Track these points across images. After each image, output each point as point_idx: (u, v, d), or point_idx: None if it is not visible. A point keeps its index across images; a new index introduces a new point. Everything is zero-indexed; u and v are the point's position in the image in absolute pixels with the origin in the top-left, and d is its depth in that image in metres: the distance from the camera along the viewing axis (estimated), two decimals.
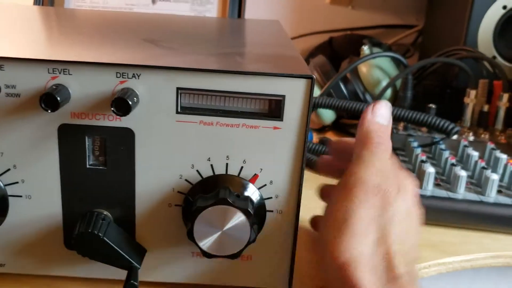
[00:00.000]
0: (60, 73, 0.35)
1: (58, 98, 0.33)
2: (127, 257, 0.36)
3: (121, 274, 0.37)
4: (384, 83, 0.74)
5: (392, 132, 0.60)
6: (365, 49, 0.78)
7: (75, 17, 0.61)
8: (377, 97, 0.72)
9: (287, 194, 0.38)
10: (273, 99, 0.35)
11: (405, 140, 0.63)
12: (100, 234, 0.35)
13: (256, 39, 0.55)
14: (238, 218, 0.35)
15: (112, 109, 0.33)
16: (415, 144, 0.60)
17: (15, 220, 0.38)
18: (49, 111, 0.33)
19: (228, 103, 0.36)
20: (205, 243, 0.35)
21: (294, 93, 0.35)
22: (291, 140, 0.36)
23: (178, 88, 0.35)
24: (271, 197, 0.38)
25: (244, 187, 0.37)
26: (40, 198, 0.38)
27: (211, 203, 0.35)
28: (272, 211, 0.38)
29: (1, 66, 0.34)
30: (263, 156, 0.37)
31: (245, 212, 0.35)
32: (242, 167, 0.37)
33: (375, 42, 0.81)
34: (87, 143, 0.36)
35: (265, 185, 0.37)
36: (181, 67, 0.35)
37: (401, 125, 0.65)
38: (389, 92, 0.74)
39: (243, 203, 0.35)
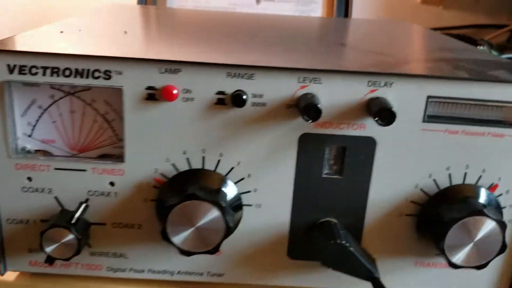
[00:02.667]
0: (310, 82, 0.34)
1: (321, 108, 0.32)
2: (368, 267, 0.36)
3: (344, 284, 0.37)
4: None
5: None
6: (482, 49, 0.77)
7: (192, 18, 0.60)
8: None
9: None
10: None
11: None
12: (347, 245, 0.35)
13: (426, 42, 0.54)
14: (489, 226, 0.34)
15: (376, 119, 0.33)
16: None
17: (242, 229, 0.38)
18: (310, 121, 0.33)
19: (473, 111, 0.35)
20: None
21: None
22: None
23: (428, 97, 0.34)
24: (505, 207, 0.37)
25: (481, 196, 0.36)
26: (270, 207, 0.37)
27: (464, 215, 0.34)
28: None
29: (251, 75, 0.34)
30: (503, 165, 0.36)
31: (499, 223, 0.34)
32: (480, 176, 0.36)
33: (489, 43, 0.80)
34: (326, 152, 0.36)
35: (501, 194, 0.37)
36: (433, 75, 0.34)
37: None
38: None
39: (494, 214, 0.34)
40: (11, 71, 0.33)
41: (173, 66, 0.34)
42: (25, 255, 0.38)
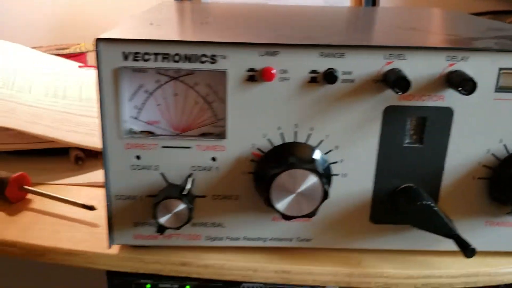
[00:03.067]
0: (395, 58, 0.38)
1: (410, 81, 0.36)
2: (450, 225, 0.39)
3: (420, 244, 0.41)
4: None
5: None
6: None
7: (239, 10, 0.64)
8: None
9: None
10: None
11: None
12: (432, 205, 0.38)
13: (474, 24, 0.58)
14: None
15: (459, 89, 0.36)
16: None
17: (329, 197, 0.41)
18: (400, 93, 0.36)
19: None
20: None
21: None
22: None
23: (500, 69, 0.38)
24: None
25: None
26: (354, 176, 0.41)
27: None
28: None
29: (342, 54, 0.37)
30: None
31: None
32: None
33: None
34: (407, 123, 0.39)
35: None
36: (504, 49, 0.38)
37: None
38: None
39: None
40: (125, 58, 0.37)
41: (272, 49, 0.37)
42: (130, 229, 0.42)
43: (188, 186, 0.39)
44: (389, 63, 0.38)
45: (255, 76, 0.38)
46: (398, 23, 0.55)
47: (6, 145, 0.59)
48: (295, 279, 0.42)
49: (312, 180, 0.37)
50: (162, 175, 0.40)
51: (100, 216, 0.48)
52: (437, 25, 0.54)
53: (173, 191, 0.39)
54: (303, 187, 0.37)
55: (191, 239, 0.42)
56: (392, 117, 0.39)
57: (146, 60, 0.37)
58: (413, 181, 0.41)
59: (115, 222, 0.41)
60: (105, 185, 0.40)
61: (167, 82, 0.39)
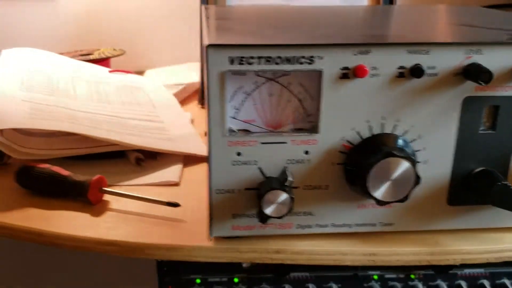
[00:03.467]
0: (473, 53, 0.41)
1: (493, 73, 0.40)
2: None
3: (493, 222, 0.46)
4: None
5: None
6: None
7: (267, 12, 0.67)
8: None
9: None
10: None
11: None
12: (510, 185, 0.42)
13: (502, 17, 0.62)
14: None
15: None
16: None
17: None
18: (483, 84, 0.40)
19: None
20: None
21: None
22: None
23: None
24: None
25: None
26: (434, 162, 0.44)
27: None
28: None
29: (427, 51, 0.41)
30: None
31: None
32: None
33: None
34: (482, 111, 0.43)
35: None
36: None
37: None
38: None
39: None
40: (231, 62, 0.40)
41: (365, 48, 0.40)
42: (229, 221, 0.45)
43: (290, 178, 0.42)
44: (469, 57, 0.41)
45: (348, 74, 0.41)
46: (439, 20, 0.59)
47: (70, 150, 0.61)
48: (381, 260, 0.46)
49: (406, 167, 0.41)
50: (260, 169, 0.43)
51: (181, 212, 0.50)
52: (479, 21, 0.58)
53: (276, 183, 0.42)
54: (397, 174, 0.41)
55: (283, 228, 0.45)
56: (469, 106, 0.43)
57: (250, 64, 0.40)
58: (486, 165, 0.45)
59: (215, 215, 0.44)
60: (208, 180, 0.43)
61: (264, 83, 0.42)
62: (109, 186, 0.55)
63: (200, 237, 0.46)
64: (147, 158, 0.63)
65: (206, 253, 0.46)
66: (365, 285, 0.53)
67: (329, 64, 0.41)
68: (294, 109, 0.43)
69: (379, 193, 0.41)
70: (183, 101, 0.89)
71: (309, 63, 0.40)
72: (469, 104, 0.43)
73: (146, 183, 0.57)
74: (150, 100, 0.78)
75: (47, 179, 0.53)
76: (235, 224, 0.45)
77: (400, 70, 0.41)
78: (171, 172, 0.59)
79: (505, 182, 0.42)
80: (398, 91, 0.42)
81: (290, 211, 0.42)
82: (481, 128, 0.44)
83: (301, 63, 0.40)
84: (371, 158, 0.41)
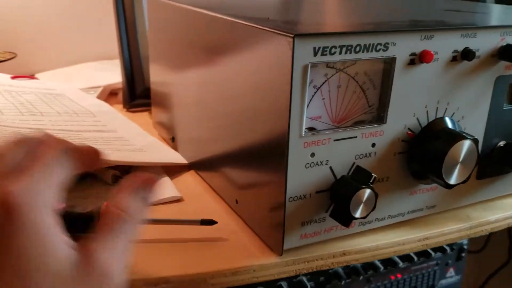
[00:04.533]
0: (507, 35, 0.44)
1: None
2: None
3: None
4: None
5: None
6: None
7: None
8: None
9: None
10: None
11: None
12: None
13: None
14: None
15: None
16: None
17: None
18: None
19: None
20: None
21: None
22: None
23: None
24: None
25: None
26: None
27: None
28: None
29: (474, 34, 0.42)
30: None
31: None
32: None
33: None
34: (508, 89, 0.46)
35: None
36: None
37: None
38: None
39: None
40: (315, 53, 0.36)
41: (430, 33, 0.40)
42: (298, 230, 0.40)
43: (374, 175, 0.39)
44: (503, 39, 0.44)
45: (414, 60, 0.40)
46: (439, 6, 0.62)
47: None
48: (433, 243, 0.46)
49: (472, 147, 0.41)
50: (331, 169, 0.40)
51: (213, 230, 0.44)
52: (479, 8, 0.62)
53: (358, 182, 0.39)
54: (464, 155, 0.41)
55: (346, 228, 0.43)
56: (498, 85, 0.46)
57: (332, 54, 0.36)
58: (509, 139, 0.48)
59: (287, 226, 0.40)
60: (285, 189, 0.38)
61: (333, 75, 0.39)
62: None
63: (257, 254, 0.41)
64: (123, 174, 0.54)
65: (274, 270, 0.41)
66: None
67: (401, 50, 0.39)
68: (358, 100, 0.41)
69: (453, 177, 0.41)
70: None
71: (384, 50, 0.38)
72: (499, 83, 0.45)
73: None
74: (83, 107, 0.66)
75: None
76: (303, 232, 0.41)
77: (454, 54, 0.42)
78: (167, 188, 0.51)
79: None
80: (451, 75, 0.42)
81: (373, 209, 0.39)
82: (505, 105, 0.47)
83: (377, 51, 0.38)
84: (443, 144, 0.41)
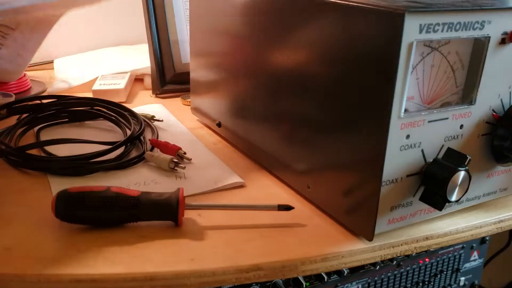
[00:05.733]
0: None
1: None
2: None
3: None
4: None
5: None
6: None
7: None
8: None
9: None
10: None
11: None
12: None
13: None
14: None
15: None
16: None
17: None
18: None
19: None
20: None
21: None
22: None
23: None
24: None
25: None
26: None
27: None
28: None
29: None
30: None
31: None
32: None
33: None
34: None
35: None
36: None
37: None
38: None
39: None
40: (420, 30, 0.34)
41: None
42: (386, 215, 0.39)
43: (469, 156, 0.38)
44: None
45: (505, 39, 0.39)
46: None
47: None
48: (506, 225, 0.46)
49: None
50: (422, 151, 0.39)
51: (289, 216, 0.43)
52: None
53: (452, 163, 0.38)
54: None
55: (429, 212, 0.42)
56: None
57: (435, 31, 0.35)
58: None
59: (379, 211, 0.38)
60: (381, 173, 0.37)
61: (428, 53, 0.37)
62: None
63: (343, 240, 0.40)
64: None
65: (362, 256, 0.40)
66: None
67: (494, 29, 0.38)
68: (447, 81, 0.40)
69: None
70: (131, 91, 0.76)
71: (480, 29, 0.37)
72: None
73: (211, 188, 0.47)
74: None
75: (114, 205, 0.39)
76: (391, 217, 0.40)
77: (503, 36, 0.41)
78: (228, 173, 0.50)
79: None
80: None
81: (467, 191, 0.39)
82: None
83: (474, 29, 0.37)
84: None
